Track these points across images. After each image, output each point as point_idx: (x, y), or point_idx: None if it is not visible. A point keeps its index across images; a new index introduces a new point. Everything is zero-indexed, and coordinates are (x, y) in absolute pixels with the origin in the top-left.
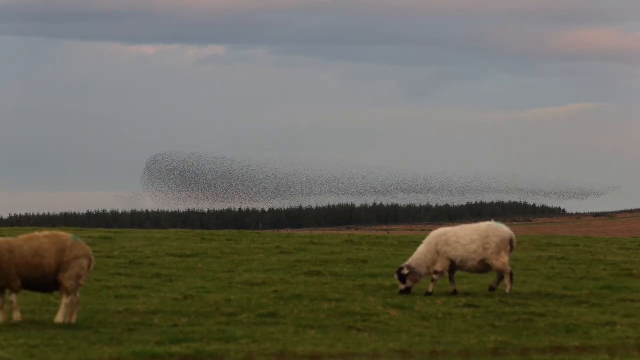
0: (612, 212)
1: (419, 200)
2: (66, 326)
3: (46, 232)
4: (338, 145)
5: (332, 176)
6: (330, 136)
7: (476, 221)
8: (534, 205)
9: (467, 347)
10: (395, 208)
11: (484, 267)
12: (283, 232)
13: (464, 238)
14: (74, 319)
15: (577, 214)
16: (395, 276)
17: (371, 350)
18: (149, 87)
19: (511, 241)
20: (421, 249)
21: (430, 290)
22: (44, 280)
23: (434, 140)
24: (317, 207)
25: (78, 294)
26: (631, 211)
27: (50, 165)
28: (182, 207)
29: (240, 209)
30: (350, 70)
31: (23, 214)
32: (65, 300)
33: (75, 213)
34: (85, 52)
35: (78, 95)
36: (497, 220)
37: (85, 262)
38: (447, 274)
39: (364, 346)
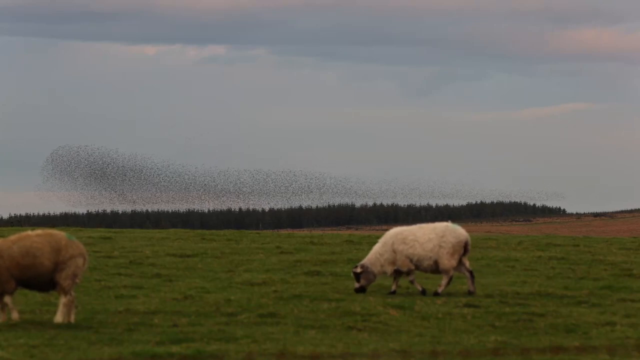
0: (612, 212)
1: (419, 200)
2: (66, 326)
3: (39, 231)
4: (338, 145)
5: (330, 177)
6: (330, 136)
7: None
8: (534, 205)
9: (467, 347)
10: (395, 208)
11: (438, 267)
12: (283, 232)
13: (422, 237)
14: (72, 319)
15: (577, 214)
16: (353, 274)
17: (371, 350)
18: (151, 87)
19: (466, 244)
20: (376, 247)
21: (420, 288)
22: (39, 279)
23: (434, 140)
24: (317, 207)
25: (73, 293)
26: (631, 211)
27: (50, 165)
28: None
29: (240, 209)
30: (350, 70)
31: (23, 214)
32: (63, 300)
33: (75, 213)
34: (86, 52)
35: (79, 95)
36: (498, 219)
37: (80, 261)
38: (391, 274)
39: (364, 346)
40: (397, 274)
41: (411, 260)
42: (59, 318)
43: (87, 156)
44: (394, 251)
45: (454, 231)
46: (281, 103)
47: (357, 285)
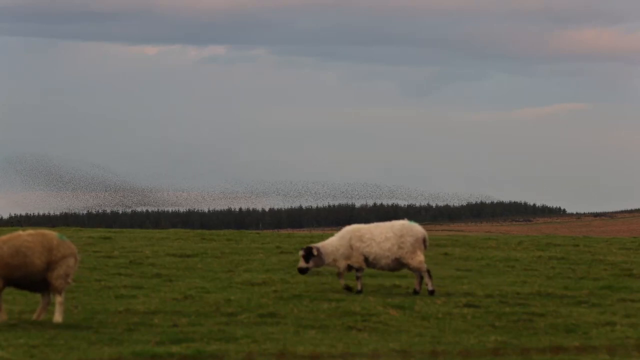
0: (612, 212)
1: (419, 200)
2: (66, 326)
3: (30, 231)
4: (338, 145)
5: (330, 177)
6: (330, 136)
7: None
8: (534, 205)
9: (467, 347)
10: (395, 208)
11: (397, 265)
12: (283, 232)
13: (379, 235)
14: (41, 317)
15: (577, 214)
16: (302, 252)
17: (371, 350)
18: (151, 87)
19: (424, 240)
20: (334, 240)
21: (360, 287)
22: (31, 278)
23: (434, 140)
24: (317, 207)
25: (51, 294)
26: (631, 211)
27: (50, 165)
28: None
29: (240, 209)
30: (350, 70)
31: (23, 214)
32: (59, 299)
33: (75, 213)
34: (86, 52)
35: (79, 95)
36: (498, 219)
37: (72, 261)
38: (342, 270)
39: (364, 346)
40: (350, 269)
41: (367, 259)
42: (58, 318)
43: (36, 163)
44: (351, 247)
45: (411, 229)
46: (281, 103)
47: (304, 265)
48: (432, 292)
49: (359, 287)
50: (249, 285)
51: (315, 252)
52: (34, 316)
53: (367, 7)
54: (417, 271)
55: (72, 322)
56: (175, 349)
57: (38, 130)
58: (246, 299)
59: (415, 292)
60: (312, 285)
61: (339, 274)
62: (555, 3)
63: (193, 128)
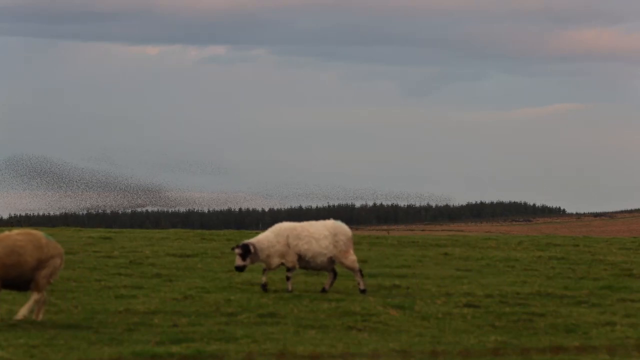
0: (612, 212)
1: (419, 200)
2: (66, 326)
3: (17, 230)
4: (338, 145)
5: (329, 177)
6: (330, 136)
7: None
8: (534, 205)
9: (467, 347)
10: (395, 208)
11: (330, 264)
12: None
13: (317, 233)
14: (40, 317)
15: (577, 214)
16: (238, 250)
17: (371, 350)
18: (152, 87)
19: (351, 240)
20: (270, 237)
21: (290, 288)
22: (23, 278)
23: (434, 141)
24: (317, 207)
25: (45, 293)
26: (631, 211)
27: (50, 165)
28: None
29: (240, 209)
30: (350, 70)
31: (23, 214)
32: (35, 297)
33: (75, 213)
34: (86, 52)
35: (79, 95)
36: (498, 219)
37: (58, 261)
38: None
39: (364, 346)
40: (269, 268)
41: (304, 257)
42: (24, 311)
43: (36, 163)
44: (288, 245)
45: (342, 228)
46: (281, 103)
47: (241, 262)
48: (363, 291)
49: (289, 288)
50: (249, 285)
51: (252, 249)
52: (34, 316)
53: (367, 7)
54: (351, 269)
55: (72, 322)
56: (175, 349)
57: (38, 131)
58: (246, 299)
59: (324, 291)
60: (312, 285)
61: (265, 270)
62: (555, 3)
63: (193, 128)
